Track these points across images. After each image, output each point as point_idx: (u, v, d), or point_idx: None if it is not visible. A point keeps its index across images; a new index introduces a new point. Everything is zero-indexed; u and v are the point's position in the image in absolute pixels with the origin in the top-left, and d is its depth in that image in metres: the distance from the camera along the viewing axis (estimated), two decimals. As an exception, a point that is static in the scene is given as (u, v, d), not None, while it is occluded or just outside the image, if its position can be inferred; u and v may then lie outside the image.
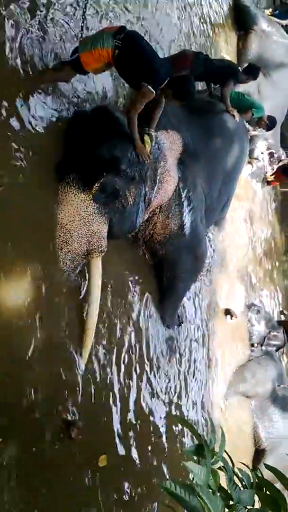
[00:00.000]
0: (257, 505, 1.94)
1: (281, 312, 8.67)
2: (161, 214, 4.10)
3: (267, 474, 2.28)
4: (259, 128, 6.38)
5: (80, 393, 3.34)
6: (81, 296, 3.52)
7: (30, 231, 3.14)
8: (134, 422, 3.87)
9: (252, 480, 1.97)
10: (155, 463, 4.01)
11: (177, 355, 4.73)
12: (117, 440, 3.66)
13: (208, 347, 5.45)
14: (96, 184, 3.36)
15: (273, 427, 6.63)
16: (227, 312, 6.12)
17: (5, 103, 3.10)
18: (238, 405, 6.13)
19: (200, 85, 5.65)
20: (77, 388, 3.33)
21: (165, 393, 4.39)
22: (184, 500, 1.57)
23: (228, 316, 6.11)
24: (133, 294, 4.15)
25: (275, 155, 7.99)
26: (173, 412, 4.43)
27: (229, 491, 1.81)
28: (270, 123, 6.01)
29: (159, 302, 4.45)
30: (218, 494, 1.78)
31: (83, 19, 3.63)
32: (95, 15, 4.18)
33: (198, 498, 1.53)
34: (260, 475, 2.11)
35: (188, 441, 4.47)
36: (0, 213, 2.96)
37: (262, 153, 7.87)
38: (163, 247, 4.24)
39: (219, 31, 7.51)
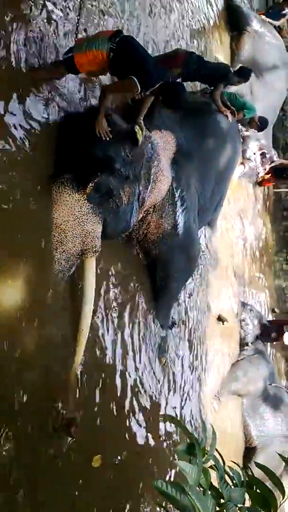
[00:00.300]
0: (248, 503, 1.97)
1: (273, 310, 8.74)
2: (154, 214, 4.12)
3: (258, 473, 2.31)
4: (250, 128, 6.42)
5: (74, 393, 3.35)
6: (75, 296, 3.53)
7: (24, 231, 3.14)
8: (128, 421, 3.89)
9: (242, 479, 2.00)
10: (150, 461, 4.04)
11: (169, 355, 4.75)
12: (112, 439, 3.68)
13: (200, 346, 5.48)
14: (90, 184, 3.37)
15: (264, 425, 6.68)
16: (219, 318, 6.16)
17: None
18: (230, 403, 6.17)
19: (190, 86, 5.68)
20: (71, 388, 3.34)
21: (158, 393, 4.41)
22: (175, 499, 1.59)
23: (221, 322, 6.16)
24: (127, 294, 4.16)
25: (267, 156, 8.03)
26: (165, 411, 4.46)
27: (220, 489, 1.84)
28: (261, 124, 6.04)
29: (153, 302, 4.47)
30: (209, 492, 1.80)
31: (78, 17, 3.63)
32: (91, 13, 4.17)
33: (189, 497, 1.55)
34: (250, 473, 2.14)
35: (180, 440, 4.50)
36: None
37: (254, 153, 7.90)
38: (157, 247, 4.26)
39: (212, 32, 7.52)
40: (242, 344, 6.90)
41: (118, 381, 3.87)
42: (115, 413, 3.77)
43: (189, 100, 4.82)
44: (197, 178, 4.50)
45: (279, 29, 9.61)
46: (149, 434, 4.14)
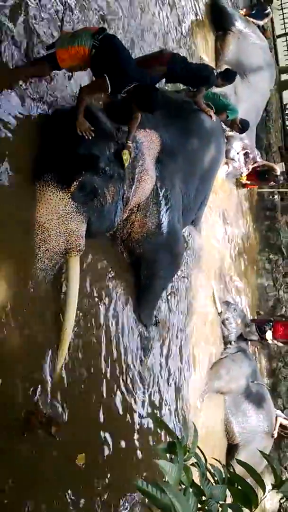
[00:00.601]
0: (229, 500, 1.99)
1: (257, 313, 8.82)
2: (139, 213, 4.13)
3: (240, 470, 2.34)
4: (231, 130, 6.45)
5: (57, 392, 3.35)
6: (58, 295, 3.52)
7: (7, 230, 3.13)
8: (110, 419, 3.90)
9: (224, 476, 2.02)
10: (133, 460, 4.05)
11: (152, 354, 4.77)
12: (95, 438, 3.68)
13: (183, 345, 5.51)
14: (74, 183, 3.36)
15: (247, 422, 6.76)
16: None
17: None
18: (212, 401, 6.22)
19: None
20: (54, 387, 3.33)
21: (141, 392, 4.43)
22: (156, 498, 1.60)
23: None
24: (110, 292, 4.16)
25: (250, 156, 8.10)
26: (148, 410, 4.48)
27: (201, 486, 1.85)
28: (242, 126, 6.07)
29: (136, 301, 4.48)
30: (191, 490, 1.82)
31: (63, 13, 3.61)
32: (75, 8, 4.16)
33: (167, 496, 1.56)
34: (232, 470, 2.16)
35: (163, 438, 4.52)
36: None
37: (237, 153, 7.97)
38: (141, 246, 4.26)
39: (197, 31, 7.56)
40: (226, 342, 6.96)
41: (101, 380, 3.87)
42: (98, 412, 3.77)
43: (173, 99, 4.88)
44: (181, 178, 4.52)
45: (263, 30, 9.71)
46: (132, 433, 4.16)
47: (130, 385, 4.26)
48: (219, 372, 6.39)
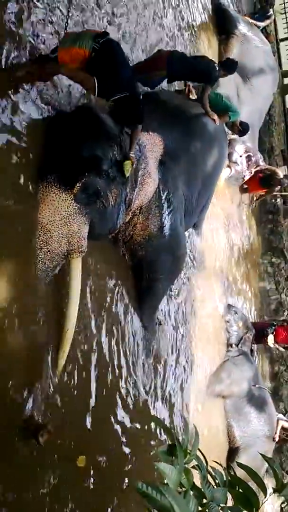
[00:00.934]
0: (230, 503, 1.99)
1: (260, 318, 8.80)
2: (141, 215, 4.13)
3: (240, 473, 2.33)
4: (231, 133, 6.39)
5: (56, 396, 3.33)
6: (60, 296, 3.52)
7: (8, 230, 3.13)
8: (112, 422, 3.90)
9: (225, 479, 2.02)
10: (132, 463, 4.04)
11: (154, 356, 4.76)
12: (97, 440, 3.68)
13: (185, 348, 5.50)
14: (77, 184, 3.36)
15: (248, 426, 6.74)
16: None
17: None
18: (214, 405, 6.21)
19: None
20: (53, 390, 3.32)
21: (142, 394, 4.42)
22: (156, 501, 1.60)
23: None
24: (112, 295, 4.16)
25: (253, 159, 8.09)
26: (149, 413, 4.47)
27: (202, 489, 1.85)
28: (243, 128, 5.98)
29: (138, 303, 4.48)
30: (191, 492, 1.82)
31: (68, 15, 3.61)
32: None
33: (167, 498, 1.56)
34: (233, 473, 2.16)
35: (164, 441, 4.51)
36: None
37: (240, 156, 7.96)
38: (143, 248, 4.26)
39: (201, 35, 7.57)
40: (228, 345, 6.95)
41: (102, 381, 3.86)
42: (98, 414, 3.76)
43: (176, 102, 4.88)
44: (184, 181, 4.52)
45: (266, 34, 9.74)
46: (133, 434, 4.15)
47: (131, 387, 4.26)
48: (220, 376, 6.38)
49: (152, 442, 4.38)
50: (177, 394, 5.14)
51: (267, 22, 9.64)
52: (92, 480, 3.51)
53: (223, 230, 7.64)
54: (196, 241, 6.21)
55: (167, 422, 4.76)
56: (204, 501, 1.83)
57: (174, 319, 5.32)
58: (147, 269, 4.39)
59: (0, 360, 2.95)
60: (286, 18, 12.06)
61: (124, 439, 4.01)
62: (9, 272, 3.11)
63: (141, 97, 3.60)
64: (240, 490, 2.00)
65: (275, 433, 7.26)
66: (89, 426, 3.63)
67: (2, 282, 3.06)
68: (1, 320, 2.97)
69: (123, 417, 4.07)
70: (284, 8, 12.04)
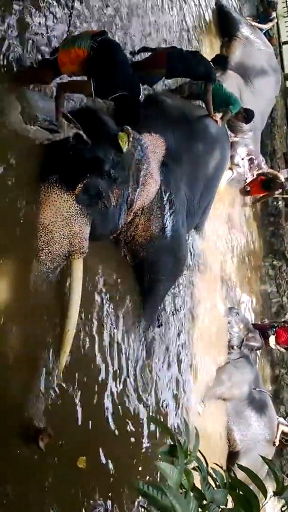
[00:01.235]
0: (230, 504, 1.98)
1: (262, 320, 8.77)
2: (143, 216, 4.14)
3: (241, 476, 2.32)
4: (238, 121, 6.27)
5: (57, 397, 3.33)
6: (61, 297, 3.52)
7: (10, 231, 3.13)
8: (111, 424, 3.88)
9: (225, 480, 2.01)
10: (133, 463, 4.03)
11: (155, 357, 4.75)
12: (94, 442, 3.67)
13: (186, 350, 5.49)
14: (79, 185, 3.37)
15: (248, 430, 6.70)
16: None
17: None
18: (214, 407, 6.18)
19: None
20: (54, 392, 3.32)
21: (142, 395, 4.41)
22: (157, 500, 1.60)
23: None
24: (113, 295, 4.16)
25: (255, 162, 8.09)
26: (149, 413, 4.45)
27: (202, 490, 1.84)
28: (247, 115, 5.89)
29: (139, 304, 4.47)
30: (192, 493, 1.81)
31: (70, 16, 3.63)
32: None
33: (168, 498, 1.56)
34: (233, 475, 2.15)
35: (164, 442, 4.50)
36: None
37: (242, 159, 7.96)
38: (144, 249, 4.26)
39: (203, 37, 7.58)
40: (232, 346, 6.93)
41: (102, 382, 3.86)
42: (100, 415, 3.76)
43: (179, 104, 4.90)
44: (186, 182, 4.53)
45: (269, 37, 9.74)
46: (134, 436, 4.14)
47: (132, 388, 4.25)
48: (221, 378, 6.35)
49: (152, 444, 4.37)
50: (177, 395, 5.12)
51: (270, 25, 9.65)
52: (91, 480, 3.50)
53: (224, 232, 7.63)
54: (198, 242, 6.20)
55: (167, 424, 4.75)
56: (204, 502, 1.82)
57: (175, 321, 5.31)
58: (148, 270, 4.38)
59: (0, 361, 2.95)
60: (289, 21, 12.05)
61: (124, 441, 4.00)
62: (10, 273, 3.12)
63: (140, 97, 3.59)
64: (241, 492, 1.99)
65: (275, 437, 7.23)
66: (89, 427, 3.62)
67: (3, 283, 3.06)
68: (1, 321, 2.97)
69: (123, 419, 4.06)
70: (287, 11, 12.03)
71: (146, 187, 3.95)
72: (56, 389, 3.33)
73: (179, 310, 5.43)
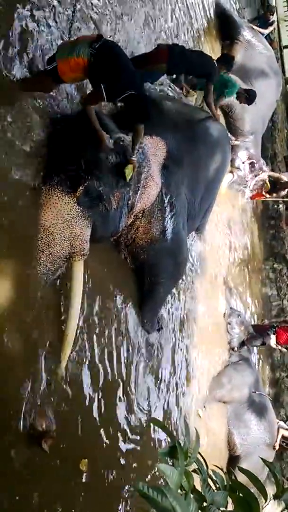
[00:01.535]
0: (230, 507, 1.97)
1: (262, 322, 8.77)
2: (143, 219, 4.14)
3: (241, 480, 2.31)
4: (240, 103, 6.19)
5: (58, 400, 3.33)
6: (61, 299, 3.52)
7: (11, 233, 3.14)
8: (114, 425, 3.88)
9: (225, 482, 2.00)
10: (134, 465, 4.02)
11: (155, 360, 4.75)
12: (96, 445, 3.66)
13: (186, 352, 5.48)
14: (80, 188, 3.37)
15: (248, 434, 6.69)
16: None
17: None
18: (215, 410, 6.18)
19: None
20: (54, 395, 3.31)
21: (143, 398, 4.41)
22: (157, 502, 1.59)
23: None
24: (113, 298, 4.16)
25: (256, 165, 8.10)
26: (150, 416, 4.45)
27: (202, 492, 1.83)
28: (249, 95, 5.76)
29: (139, 307, 4.48)
30: (192, 495, 1.80)
31: (71, 23, 3.64)
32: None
33: (168, 499, 1.55)
34: (234, 477, 2.14)
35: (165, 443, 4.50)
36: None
37: (243, 162, 7.98)
38: (145, 252, 4.27)
39: (204, 40, 7.61)
40: (232, 348, 6.93)
41: (103, 385, 3.85)
42: (100, 417, 3.75)
43: (178, 106, 4.90)
44: (186, 185, 4.53)
45: (270, 40, 9.78)
46: (134, 437, 4.13)
47: (133, 391, 4.24)
48: (221, 381, 6.35)
49: (152, 446, 4.37)
50: (178, 398, 5.12)
51: (270, 29, 9.71)
52: (92, 483, 3.50)
53: (225, 235, 7.64)
54: (198, 245, 6.21)
55: (167, 426, 4.74)
56: (204, 504, 1.81)
57: (176, 323, 5.31)
58: (148, 272, 4.39)
59: (1, 364, 2.95)
60: (290, 25, 12.10)
61: (124, 444, 4.00)
62: (11, 275, 3.12)
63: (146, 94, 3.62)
64: (241, 495, 1.98)
65: (275, 441, 7.22)
66: (90, 430, 3.62)
67: (3, 284, 3.06)
68: (2, 323, 2.97)
69: (123, 422, 4.05)
70: (288, 15, 12.08)
71: (147, 189, 3.96)
72: (56, 392, 3.33)
73: (179, 312, 5.42)
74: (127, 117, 3.59)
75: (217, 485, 2.00)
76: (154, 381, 4.65)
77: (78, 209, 3.44)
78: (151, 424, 4.35)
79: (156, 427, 4.39)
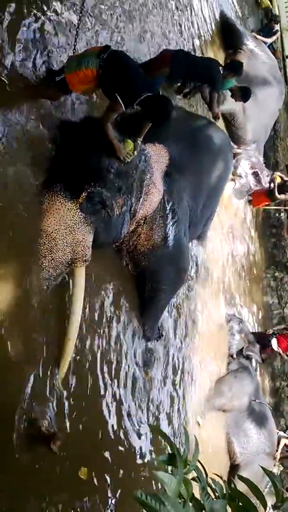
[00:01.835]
0: (229, 516, 1.96)
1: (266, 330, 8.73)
2: (145, 226, 4.15)
3: (241, 489, 2.30)
4: (236, 100, 5.99)
5: (59, 405, 3.33)
6: (63, 305, 3.52)
7: (13, 238, 3.15)
8: (113, 433, 3.87)
9: (225, 491, 1.99)
10: (133, 474, 4.00)
11: (155, 368, 4.73)
12: (96, 451, 3.65)
13: (186, 360, 5.47)
14: (83, 194, 3.39)
15: (248, 442, 6.64)
16: None
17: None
18: (214, 419, 6.14)
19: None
20: (56, 399, 3.31)
21: (142, 406, 4.39)
22: (155, 510, 1.58)
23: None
24: (114, 304, 4.16)
25: (260, 175, 8.09)
26: (149, 422, 4.43)
27: (201, 501, 1.83)
28: (244, 92, 5.53)
29: (140, 313, 4.47)
30: (191, 503, 1.80)
31: (76, 32, 3.67)
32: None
33: (166, 507, 1.55)
34: (233, 486, 2.13)
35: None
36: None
37: (246, 173, 7.99)
38: (146, 258, 4.27)
39: (207, 49, 7.64)
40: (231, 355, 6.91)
41: (102, 391, 3.85)
42: (98, 425, 3.74)
43: (181, 114, 4.92)
44: (189, 192, 4.53)
45: (273, 50, 9.84)
46: (133, 445, 4.11)
47: (132, 398, 4.23)
48: (221, 389, 6.31)
49: (151, 454, 4.34)
50: (177, 406, 5.10)
51: (274, 38, 9.78)
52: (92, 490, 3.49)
53: (226, 243, 7.64)
54: (200, 252, 6.21)
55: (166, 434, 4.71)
56: (203, 512, 1.81)
57: (176, 331, 5.30)
58: (150, 279, 4.39)
59: (1, 368, 2.95)
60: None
61: (124, 450, 3.98)
62: (12, 280, 3.12)
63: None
64: (240, 503, 1.98)
65: (276, 450, 7.17)
66: (89, 437, 3.60)
67: (5, 290, 3.06)
68: (3, 328, 2.97)
69: (124, 427, 4.04)
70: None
71: (149, 196, 3.97)
72: (56, 397, 3.32)
73: (179, 320, 5.41)
74: (147, 120, 3.57)
75: (216, 494, 1.99)
76: (153, 388, 4.64)
77: (81, 215, 3.46)
78: (151, 431, 4.33)
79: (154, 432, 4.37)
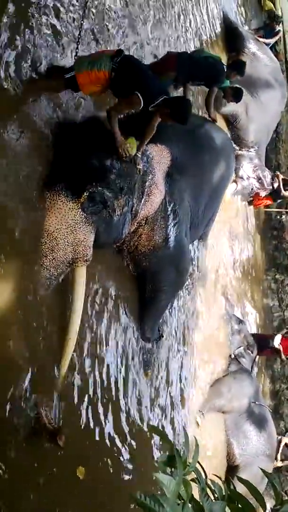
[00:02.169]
0: (229, 517, 1.96)
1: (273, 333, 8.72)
2: (146, 226, 4.15)
3: (240, 490, 2.30)
4: (228, 101, 5.92)
5: (59, 403, 3.32)
6: (63, 304, 3.52)
7: (14, 237, 3.15)
8: (112, 433, 3.87)
9: (224, 492, 1.99)
10: (130, 475, 3.99)
11: (155, 369, 4.73)
12: (96, 450, 3.64)
13: (186, 361, 5.46)
14: (85, 193, 3.40)
15: (247, 444, 6.62)
16: None
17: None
18: (214, 420, 6.13)
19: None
20: (56, 397, 3.31)
21: (142, 406, 4.38)
22: (154, 511, 1.58)
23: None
24: (115, 304, 4.16)
25: (263, 179, 8.08)
26: (148, 423, 4.42)
27: (201, 502, 1.82)
28: (236, 93, 5.33)
29: (140, 314, 4.47)
30: (190, 505, 1.79)
31: (80, 28, 3.69)
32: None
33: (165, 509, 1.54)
34: (232, 487, 2.12)
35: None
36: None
37: (248, 176, 7.99)
38: (147, 259, 4.27)
39: (210, 52, 7.64)
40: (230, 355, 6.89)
41: (102, 392, 3.84)
42: (99, 424, 3.73)
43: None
44: (190, 193, 4.54)
45: (276, 52, 9.85)
46: (133, 445, 4.11)
47: (132, 398, 4.22)
48: (221, 390, 6.29)
49: (151, 455, 4.34)
50: (177, 407, 5.09)
51: (275, 38, 9.80)
52: (90, 490, 3.48)
53: (227, 245, 7.63)
54: (201, 253, 6.20)
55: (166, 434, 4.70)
56: (202, 514, 1.80)
57: (177, 332, 5.29)
58: (150, 279, 4.39)
59: (2, 368, 2.95)
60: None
61: (123, 451, 3.97)
62: (13, 279, 3.12)
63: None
64: (239, 505, 1.97)
65: (277, 453, 7.15)
66: (88, 437, 3.60)
67: (6, 289, 3.06)
68: (4, 327, 2.97)
69: (123, 429, 4.03)
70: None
71: (150, 197, 3.97)
72: (57, 396, 3.32)
73: (180, 320, 5.41)
74: (150, 120, 3.61)
75: (216, 495, 1.98)
76: (153, 388, 4.63)
77: (82, 215, 3.46)
78: (151, 432, 4.32)
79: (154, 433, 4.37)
